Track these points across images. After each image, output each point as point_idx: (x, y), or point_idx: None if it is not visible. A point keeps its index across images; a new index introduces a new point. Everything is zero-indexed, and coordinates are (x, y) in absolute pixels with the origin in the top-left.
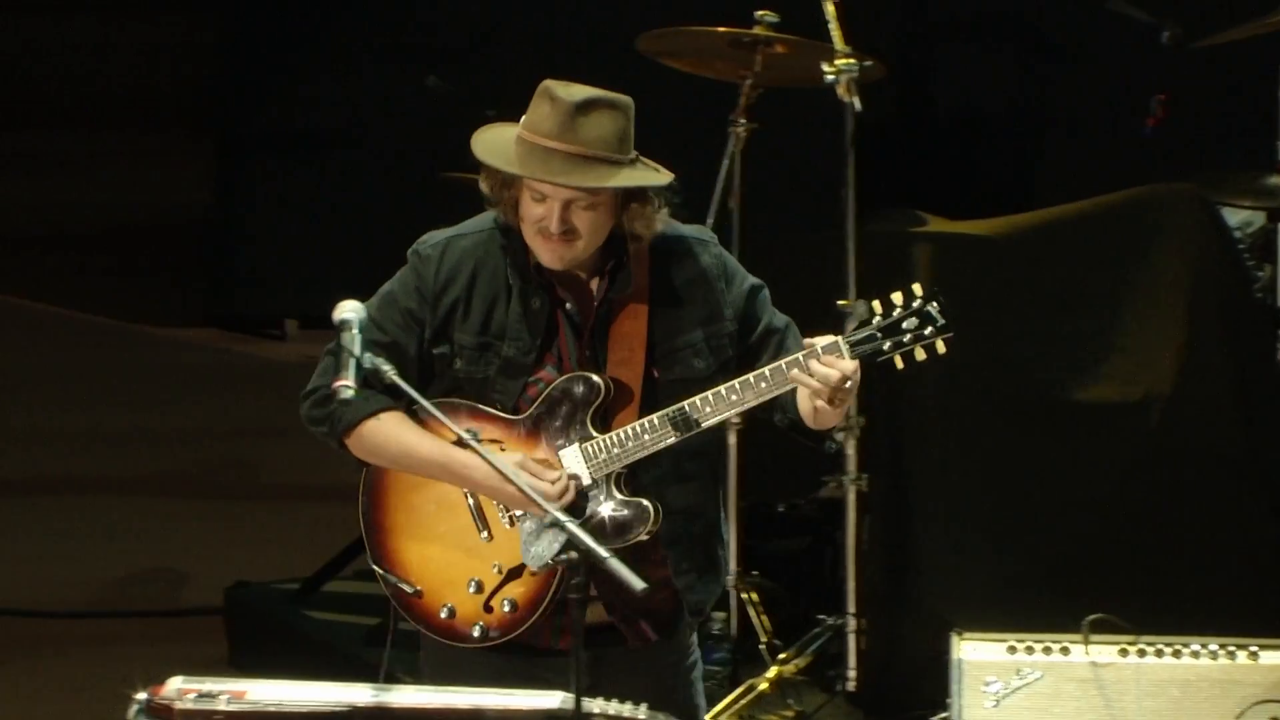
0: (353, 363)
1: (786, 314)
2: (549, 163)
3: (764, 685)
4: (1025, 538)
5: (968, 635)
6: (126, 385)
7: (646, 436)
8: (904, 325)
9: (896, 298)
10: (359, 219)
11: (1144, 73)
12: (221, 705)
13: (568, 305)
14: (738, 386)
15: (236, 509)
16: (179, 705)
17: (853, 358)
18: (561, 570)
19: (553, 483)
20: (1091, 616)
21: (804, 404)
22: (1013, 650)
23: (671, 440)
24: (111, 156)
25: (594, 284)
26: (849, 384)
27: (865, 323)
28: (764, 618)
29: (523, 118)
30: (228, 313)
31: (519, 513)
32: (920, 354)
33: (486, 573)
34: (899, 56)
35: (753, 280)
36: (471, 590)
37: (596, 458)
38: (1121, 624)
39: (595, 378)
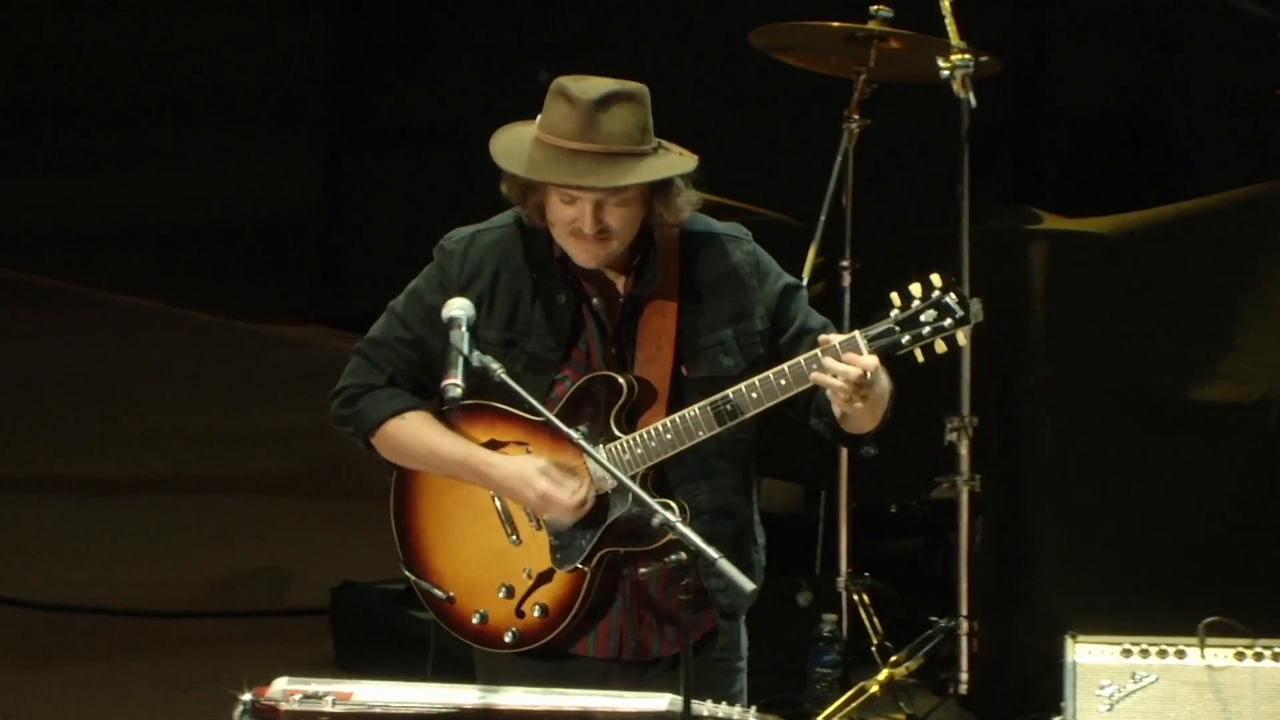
0: (460, 361)
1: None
2: (574, 165)
3: (875, 688)
4: (1140, 539)
5: (1082, 638)
6: (233, 384)
7: (669, 436)
8: (922, 318)
9: (915, 289)
10: (467, 215)
11: (1263, 68)
12: (327, 706)
13: (594, 301)
14: (757, 384)
15: (344, 508)
16: (284, 706)
17: (871, 352)
18: (590, 575)
19: (572, 493)
20: (1208, 619)
21: (834, 406)
22: (1127, 653)
23: (696, 440)
24: (222, 154)
25: (620, 280)
26: (871, 381)
27: (883, 316)
28: (875, 619)
29: (538, 117)
30: (338, 310)
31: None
32: (941, 346)
33: (517, 577)
34: (1014, 51)
35: (789, 279)
36: (502, 595)
37: (621, 458)
38: (1238, 627)
39: (618, 377)
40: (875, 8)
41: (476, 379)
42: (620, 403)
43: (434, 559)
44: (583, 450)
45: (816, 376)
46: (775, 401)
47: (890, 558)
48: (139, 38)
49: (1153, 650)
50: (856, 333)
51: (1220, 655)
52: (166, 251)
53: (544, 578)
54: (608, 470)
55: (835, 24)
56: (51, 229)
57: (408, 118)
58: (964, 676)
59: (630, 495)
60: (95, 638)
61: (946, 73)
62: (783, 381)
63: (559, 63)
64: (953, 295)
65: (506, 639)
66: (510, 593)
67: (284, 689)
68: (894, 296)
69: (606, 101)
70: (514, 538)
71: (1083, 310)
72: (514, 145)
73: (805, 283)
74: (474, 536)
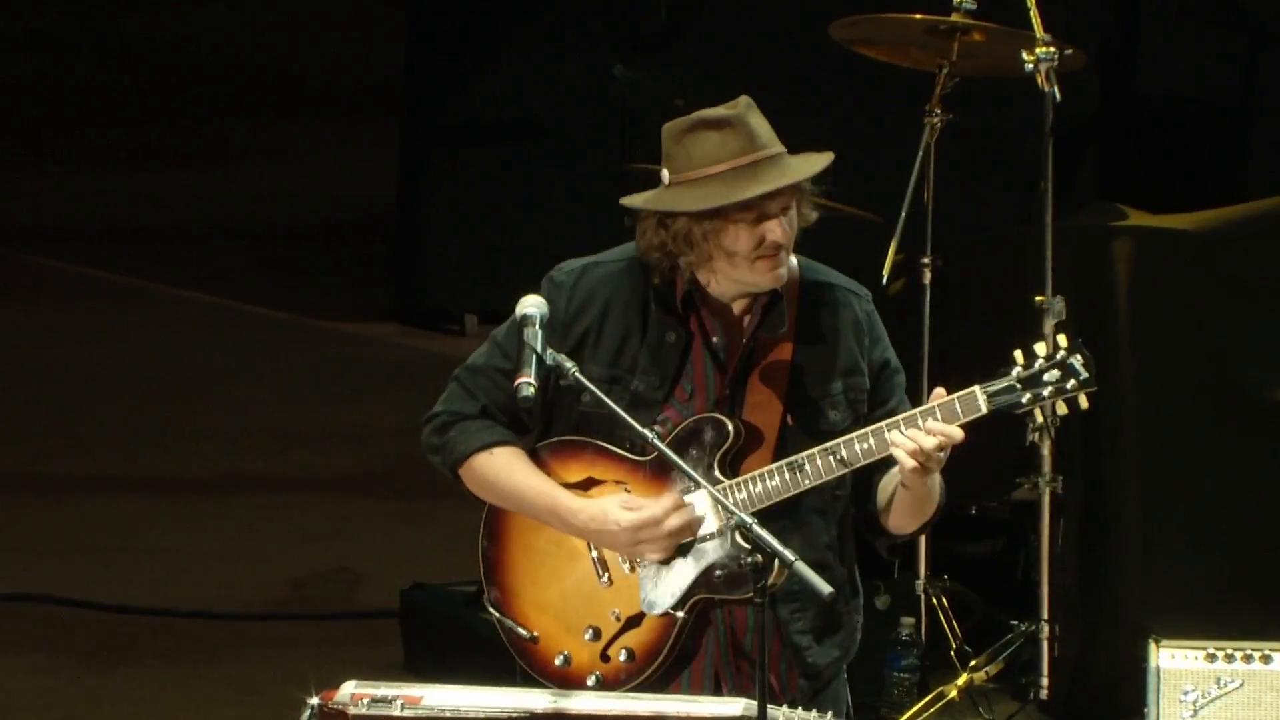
0: (534, 359)
1: (981, 312)
2: (763, 175)
3: (953, 693)
4: (1226, 541)
5: (1165, 642)
6: (306, 382)
7: (775, 482)
8: (1045, 378)
9: (1040, 348)
10: (543, 212)
11: None
12: (396, 711)
13: (714, 340)
14: (870, 435)
15: (416, 508)
16: (353, 710)
17: (990, 410)
18: (681, 622)
19: (663, 510)
20: None
21: (886, 491)
22: (1212, 658)
23: (802, 489)
24: (297, 148)
25: (743, 320)
26: (944, 454)
27: (1004, 372)
28: (954, 623)
29: (676, 163)
30: (412, 307)
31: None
32: (1062, 408)
33: (605, 620)
34: (1100, 44)
35: (893, 356)
36: (588, 638)
37: (725, 500)
38: None
39: (726, 421)
40: (958, 0)
41: (577, 416)
42: (726, 447)
43: (520, 597)
44: (688, 475)
45: (897, 437)
46: (885, 454)
47: (970, 560)
48: (215, 31)
49: (1238, 655)
50: (976, 388)
51: None
52: (240, 247)
53: (632, 622)
54: (713, 495)
55: (917, 16)
56: (127, 225)
57: (485, 112)
58: (1044, 681)
59: (729, 539)
60: (164, 640)
61: (1030, 66)
62: (895, 434)
63: (639, 57)
64: (1079, 356)
65: (590, 683)
66: (597, 635)
67: (352, 693)
68: (1017, 354)
69: (745, 112)
70: (604, 579)
71: (1168, 308)
72: (673, 194)
73: (885, 280)
74: (563, 576)
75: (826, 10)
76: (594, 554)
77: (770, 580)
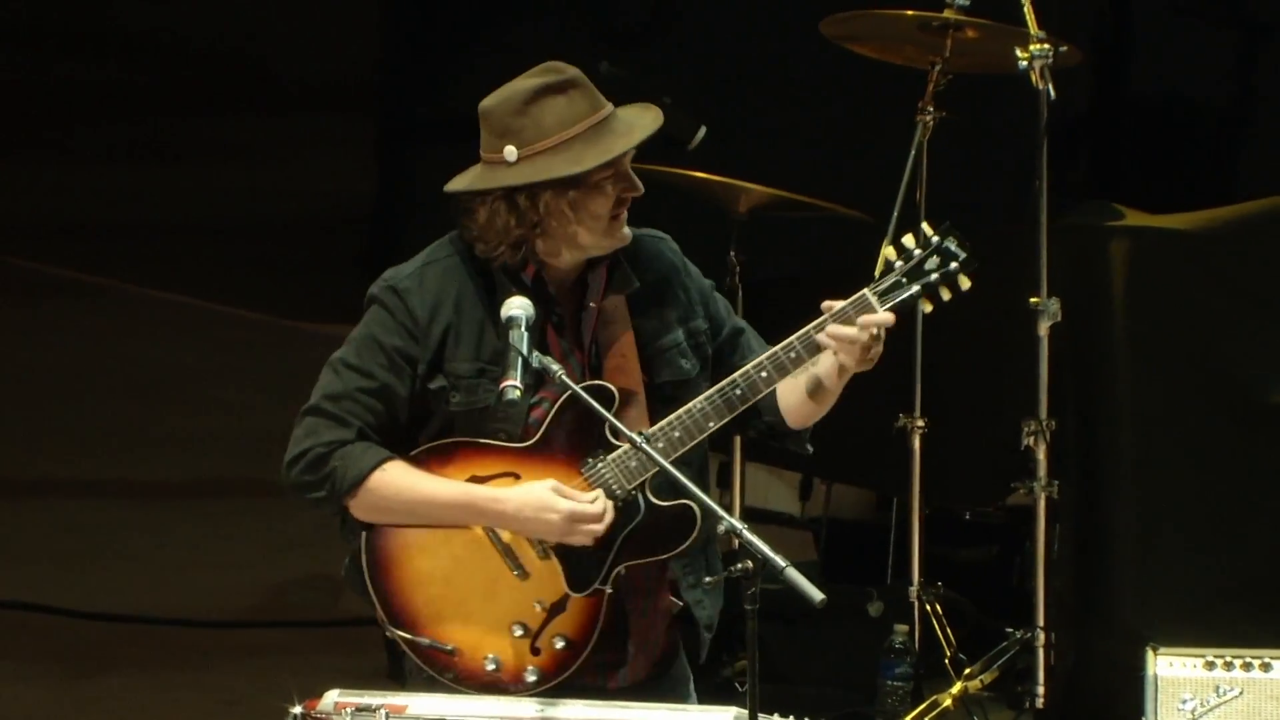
0: (520, 361)
1: (974, 312)
2: (619, 129)
3: (948, 701)
4: (1224, 547)
5: (1163, 650)
6: (284, 384)
7: (678, 434)
8: (926, 266)
9: (908, 240)
10: None
11: None
12: (380, 719)
13: (561, 313)
14: (766, 363)
15: None
16: (336, 719)
17: (884, 308)
18: (608, 596)
19: (591, 502)
20: None
21: (791, 395)
22: (1210, 666)
23: (706, 433)
24: (271, 145)
25: (580, 290)
26: (880, 338)
27: (887, 271)
28: (948, 630)
29: (524, 135)
30: None
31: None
32: (946, 293)
33: (529, 612)
34: (1096, 41)
35: (706, 279)
36: (518, 634)
37: (628, 465)
38: None
39: (609, 385)
40: None
41: (442, 419)
42: (613, 412)
43: (428, 613)
44: (635, 445)
45: (833, 331)
46: (786, 377)
47: (964, 566)
48: (189, 26)
49: (1237, 663)
50: (865, 290)
51: None
52: (216, 246)
53: (558, 608)
54: (674, 476)
55: (910, 13)
56: (96, 223)
57: (464, 108)
58: (1040, 690)
59: (640, 507)
60: (143, 648)
61: (1024, 63)
62: (793, 354)
63: (623, 53)
64: (952, 239)
65: (530, 679)
66: (525, 630)
67: (335, 701)
68: (889, 250)
69: (576, 73)
70: (518, 571)
71: (1164, 309)
72: (532, 168)
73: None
74: (474, 579)
75: (817, 6)
76: (500, 548)
77: (697, 532)
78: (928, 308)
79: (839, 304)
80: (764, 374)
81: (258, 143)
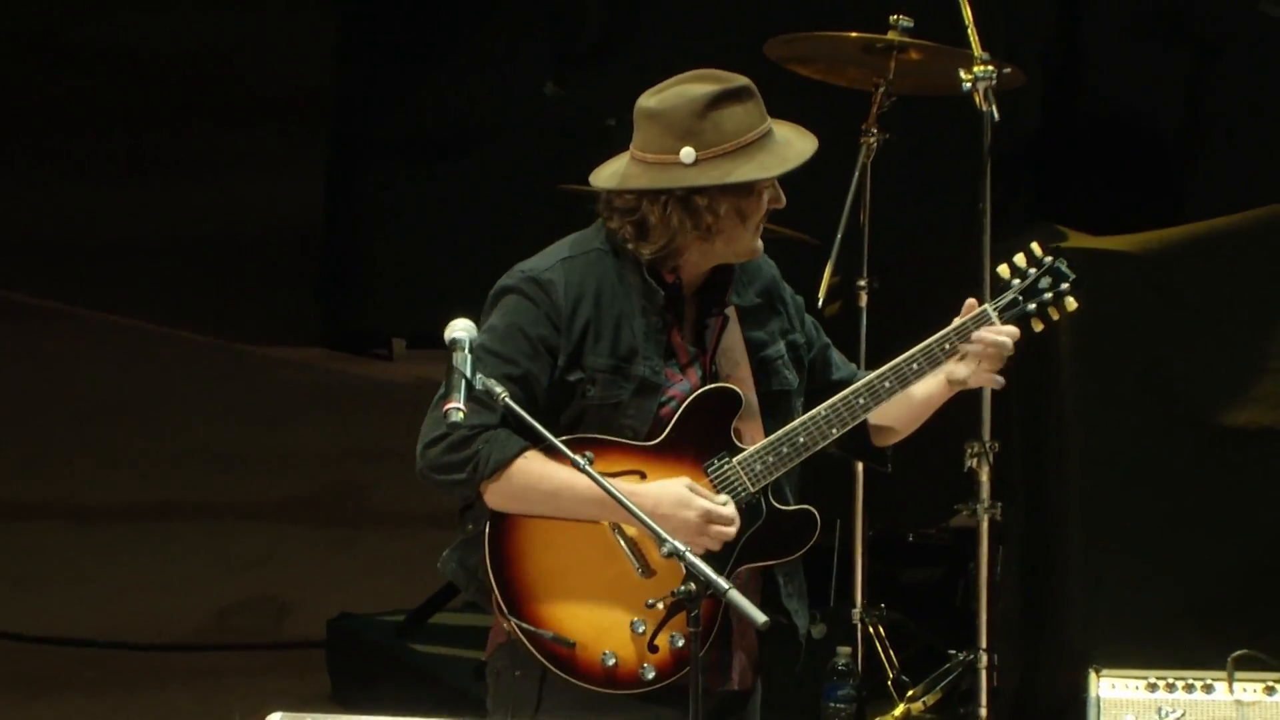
0: (463, 384)
1: (919, 334)
2: (789, 139)
3: None
4: (1167, 569)
5: (1106, 671)
6: (232, 407)
7: (802, 439)
8: (1040, 285)
9: (1019, 260)
10: (470, 232)
11: None
12: None
13: (689, 319)
14: (889, 373)
15: (343, 535)
16: None
17: (1004, 322)
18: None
19: (724, 505)
20: (1237, 653)
21: (886, 415)
22: (1153, 687)
23: (829, 440)
24: (220, 163)
25: (703, 293)
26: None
27: (1004, 288)
28: (891, 652)
29: (704, 138)
30: (341, 331)
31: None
32: (1054, 313)
33: (649, 610)
34: (1045, 61)
35: (794, 292)
36: (636, 632)
37: (753, 469)
38: (1268, 660)
39: (734, 389)
40: (895, 18)
41: (575, 411)
42: (737, 416)
43: (550, 606)
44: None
45: (984, 336)
46: (907, 388)
47: (907, 588)
48: (135, 40)
49: (1179, 684)
50: (987, 305)
51: (1249, 689)
52: (162, 267)
53: (677, 606)
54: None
55: (853, 35)
56: (42, 244)
57: (416, 127)
58: (983, 712)
59: (761, 510)
60: (86, 671)
61: (968, 85)
62: (915, 366)
63: (573, 73)
64: (1062, 260)
65: (648, 676)
66: (644, 627)
67: None
68: (1003, 269)
69: (750, 85)
70: (641, 569)
71: (1110, 331)
72: (717, 169)
73: (820, 303)
74: (595, 575)
75: (761, 28)
76: (625, 545)
77: (814, 537)
78: (1038, 327)
79: (961, 320)
80: (887, 383)
81: (206, 159)
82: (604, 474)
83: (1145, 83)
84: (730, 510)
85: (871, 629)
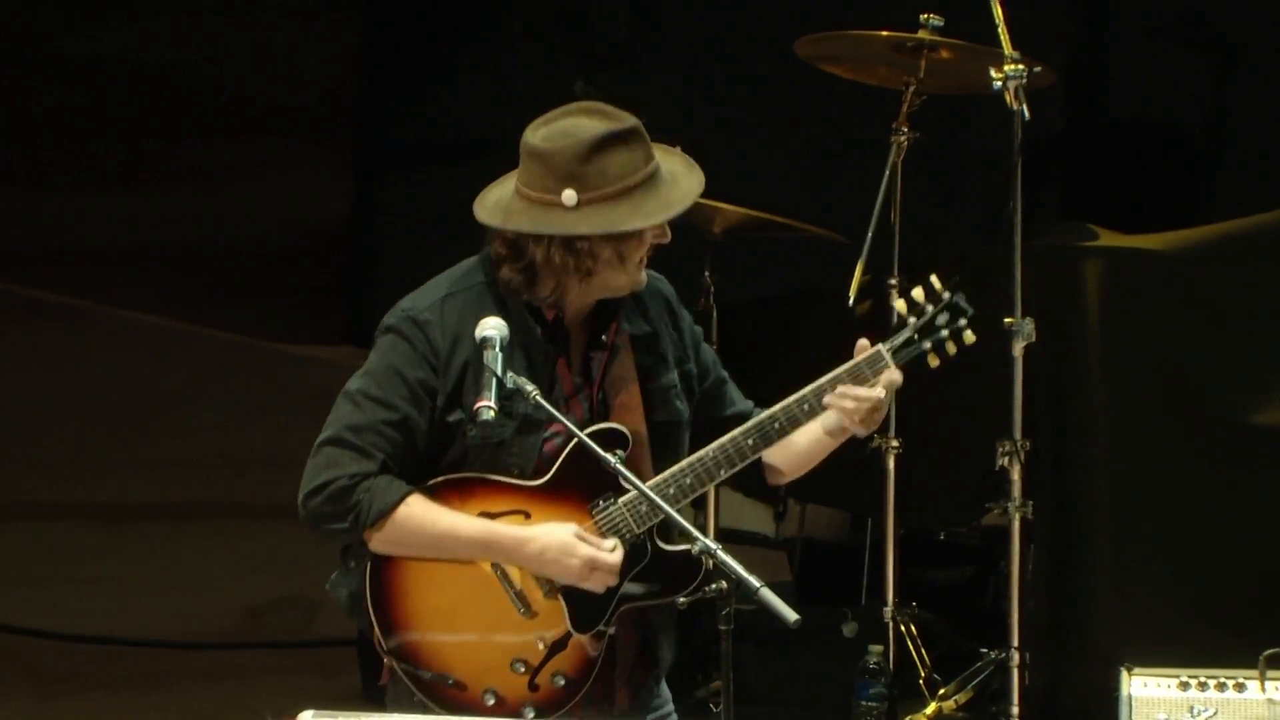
0: (494, 383)
1: None
2: (671, 181)
3: None
4: (1199, 567)
5: (1137, 670)
6: (260, 406)
7: (689, 480)
8: (937, 322)
9: (917, 294)
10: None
11: None
12: None
13: (575, 351)
14: (779, 414)
15: None
16: None
17: (897, 365)
18: (607, 635)
19: (610, 551)
20: (1269, 651)
21: (788, 448)
22: (1185, 686)
23: (717, 480)
24: (248, 167)
25: (587, 328)
26: (887, 401)
27: (900, 326)
28: (922, 651)
29: (587, 182)
30: (366, 331)
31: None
32: (951, 348)
33: (530, 649)
34: (1070, 62)
35: (693, 321)
36: (518, 671)
37: (638, 510)
38: None
39: (622, 428)
40: (925, 16)
41: (458, 449)
42: (626, 454)
43: (432, 644)
44: (630, 481)
45: (841, 395)
46: (798, 429)
47: (938, 587)
48: (160, 48)
49: (1211, 683)
50: (880, 346)
51: None
52: (190, 269)
53: (558, 645)
54: (645, 495)
55: (884, 33)
56: (71, 245)
57: (439, 131)
58: (1014, 710)
59: (646, 550)
60: (116, 669)
61: (999, 84)
62: (806, 408)
63: (599, 73)
64: (960, 295)
65: (529, 715)
66: (525, 666)
67: None
68: (900, 305)
69: (634, 121)
70: (523, 609)
71: (1139, 330)
72: (599, 214)
73: (851, 301)
74: (477, 614)
75: (791, 27)
76: (506, 585)
77: (700, 579)
78: (934, 363)
79: (852, 362)
80: (777, 425)
81: (233, 166)
82: (487, 514)
83: (1170, 83)
84: (615, 557)
85: (903, 628)
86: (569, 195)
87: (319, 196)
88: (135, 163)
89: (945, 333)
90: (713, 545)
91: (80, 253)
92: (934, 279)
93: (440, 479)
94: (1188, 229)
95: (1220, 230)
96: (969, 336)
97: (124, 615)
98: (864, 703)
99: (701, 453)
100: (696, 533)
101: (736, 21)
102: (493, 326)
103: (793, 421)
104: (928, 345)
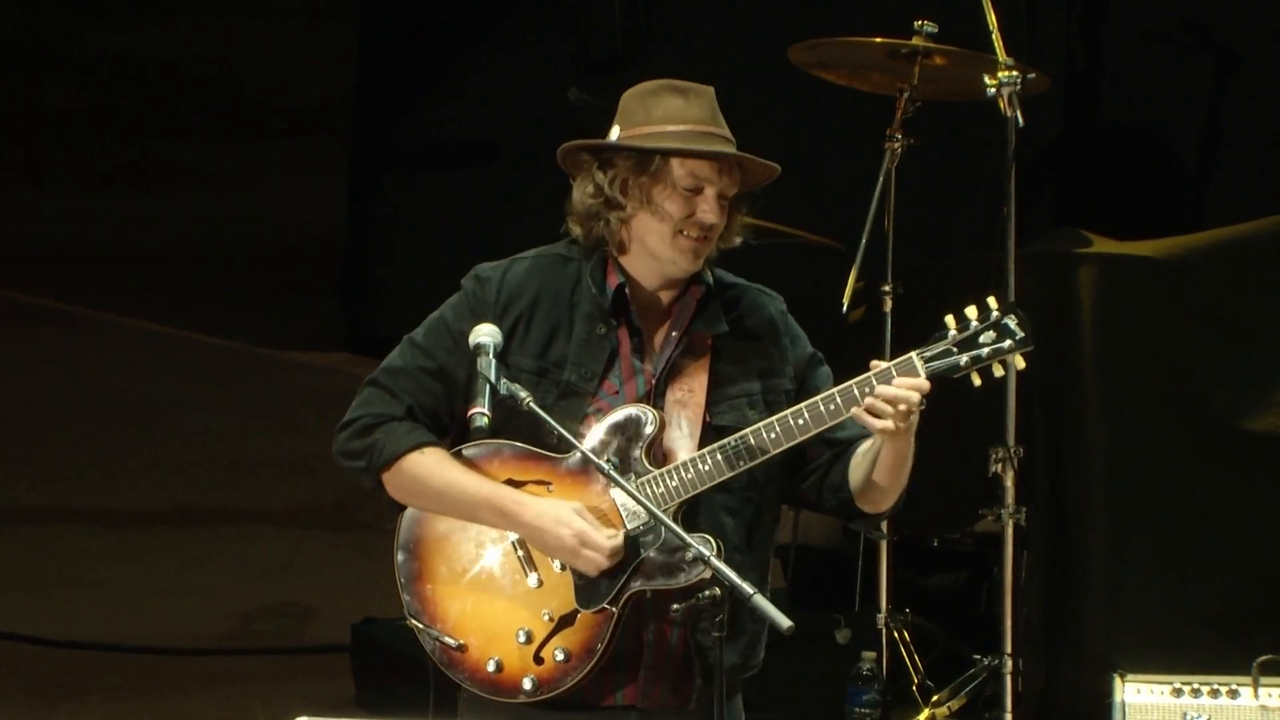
0: (487, 388)
1: None
2: (716, 145)
3: None
4: (1192, 574)
5: (1130, 676)
6: (255, 412)
7: (690, 475)
8: (980, 339)
9: (970, 311)
10: (498, 236)
11: None
12: None
13: (642, 333)
14: (775, 424)
15: (367, 539)
16: None
17: (928, 376)
18: (615, 616)
19: (608, 538)
20: (1262, 658)
21: (857, 473)
22: (1178, 693)
23: (713, 483)
24: (243, 171)
25: (669, 317)
26: (918, 408)
27: (940, 337)
28: (916, 657)
29: (631, 118)
30: (363, 336)
31: None
32: (998, 369)
33: (536, 621)
34: (1066, 68)
35: (814, 349)
36: (521, 641)
37: (654, 492)
38: None
39: (651, 411)
40: (919, 23)
41: (502, 413)
42: (651, 437)
43: (443, 606)
44: (613, 480)
45: (869, 403)
46: (794, 442)
47: (932, 593)
48: (161, 52)
49: (1204, 689)
50: (913, 354)
51: (1275, 695)
52: (186, 273)
53: (565, 621)
54: (638, 501)
55: (878, 40)
56: (69, 251)
57: (437, 135)
58: (1008, 716)
59: (661, 534)
60: (110, 676)
61: (992, 90)
62: (800, 421)
63: (593, 80)
64: (1013, 317)
65: (526, 686)
66: (529, 638)
67: None
68: (949, 319)
69: (711, 96)
70: (533, 579)
71: (1133, 337)
72: (633, 135)
73: (845, 307)
74: (490, 581)
75: (786, 33)
76: (520, 554)
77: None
78: (977, 381)
79: (888, 362)
80: (772, 434)
81: (230, 169)
82: (511, 481)
83: (1166, 89)
84: (610, 542)
85: (896, 634)
86: (614, 131)
87: (316, 201)
88: (134, 166)
89: (986, 351)
90: (706, 552)
91: (78, 258)
92: (991, 300)
93: (475, 441)
94: (1182, 235)
95: (1214, 237)
96: (1018, 362)
97: (119, 622)
98: (857, 709)
99: (700, 452)
100: (690, 539)
101: (730, 28)
102: (486, 334)
103: (787, 433)
104: (965, 360)
